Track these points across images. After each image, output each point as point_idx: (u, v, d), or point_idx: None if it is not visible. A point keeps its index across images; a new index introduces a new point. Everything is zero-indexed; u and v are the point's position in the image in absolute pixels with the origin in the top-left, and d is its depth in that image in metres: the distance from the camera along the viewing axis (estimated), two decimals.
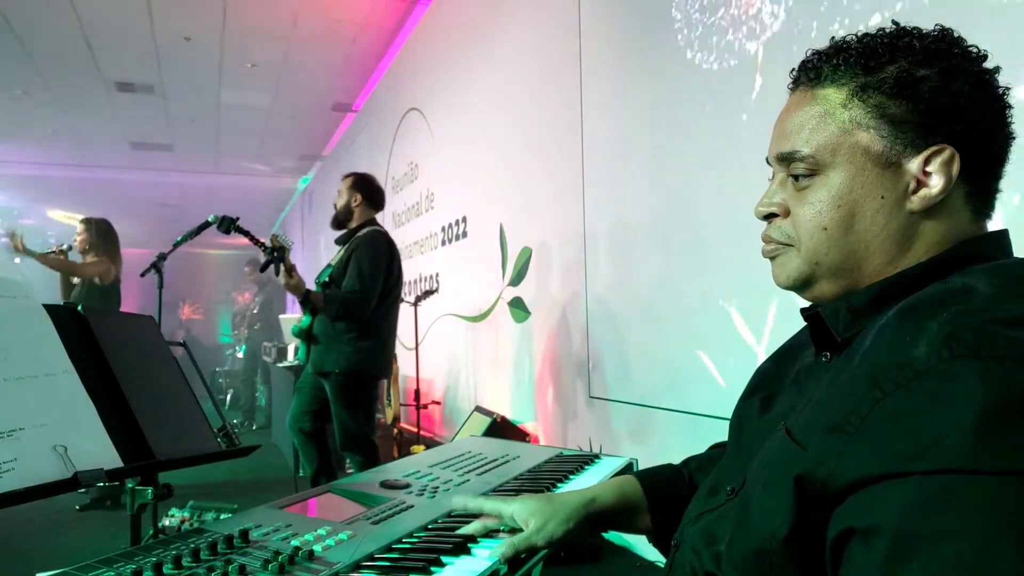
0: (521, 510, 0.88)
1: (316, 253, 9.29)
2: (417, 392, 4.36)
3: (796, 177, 0.68)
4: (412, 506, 1.02)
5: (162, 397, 1.28)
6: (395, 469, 1.28)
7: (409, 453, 3.92)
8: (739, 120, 2.27)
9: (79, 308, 1.21)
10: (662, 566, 0.81)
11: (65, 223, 11.45)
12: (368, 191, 3.23)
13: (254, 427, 7.42)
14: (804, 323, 0.73)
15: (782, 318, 2.06)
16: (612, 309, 3.00)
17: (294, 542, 0.84)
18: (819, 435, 0.55)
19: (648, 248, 2.74)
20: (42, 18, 5.53)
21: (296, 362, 5.04)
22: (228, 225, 2.80)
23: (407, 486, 1.13)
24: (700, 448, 1.02)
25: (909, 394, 0.50)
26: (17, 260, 3.98)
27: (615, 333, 2.96)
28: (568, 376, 3.34)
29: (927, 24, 0.66)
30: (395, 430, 4.47)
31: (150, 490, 1.28)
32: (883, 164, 0.64)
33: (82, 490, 3.80)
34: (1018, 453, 0.45)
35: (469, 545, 0.87)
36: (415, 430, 4.66)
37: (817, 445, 0.55)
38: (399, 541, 0.88)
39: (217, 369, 9.76)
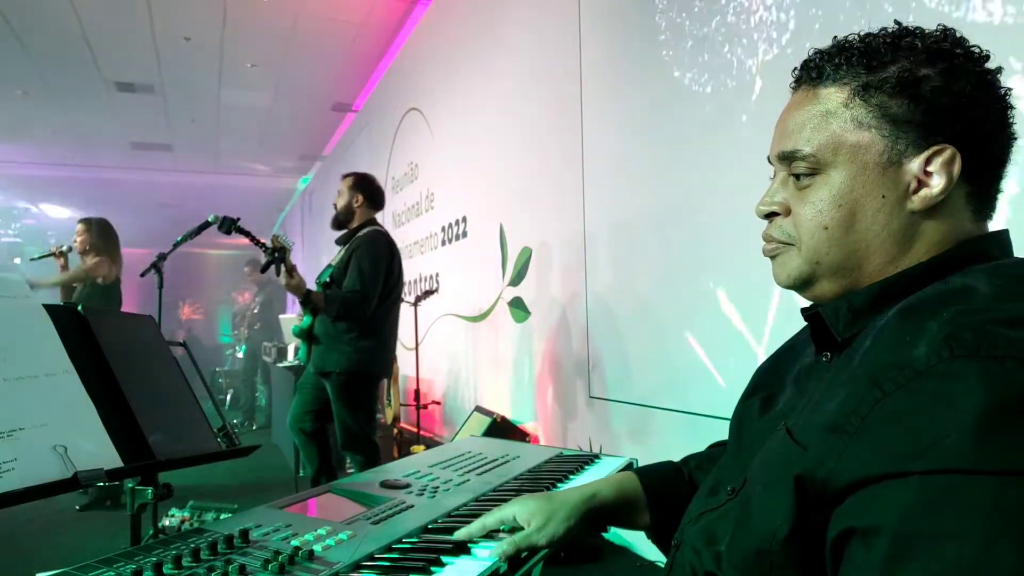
0: (522, 510, 0.88)
1: (316, 253, 9.29)
2: (417, 392, 4.36)
3: (797, 176, 0.68)
4: (412, 506, 1.02)
5: (162, 397, 1.28)
6: (395, 469, 1.28)
7: (409, 453, 3.91)
8: (739, 120, 2.27)
9: (79, 308, 1.21)
10: (662, 566, 0.81)
11: (65, 223, 11.45)
12: (369, 191, 3.23)
13: (254, 427, 7.42)
14: (804, 323, 0.73)
15: (782, 318, 2.06)
16: (612, 309, 3.00)
17: (294, 542, 0.84)
18: (819, 435, 0.55)
19: (648, 248, 2.74)
20: (42, 18, 5.53)
21: (296, 362, 5.04)
22: (229, 226, 2.80)
23: (407, 486, 1.13)
24: (700, 448, 1.02)
25: (909, 394, 0.50)
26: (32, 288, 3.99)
27: (615, 333, 2.96)
28: (568, 376, 3.34)
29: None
30: (395, 430, 4.47)
31: (150, 490, 1.28)
32: (884, 164, 0.64)
33: (81, 491, 3.81)
34: (1018, 453, 0.45)
35: (469, 545, 0.87)
36: (415, 430, 4.65)
37: (817, 445, 0.55)
38: (399, 541, 0.88)
39: (217, 369, 9.76)
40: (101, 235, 4.15)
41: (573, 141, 3.23)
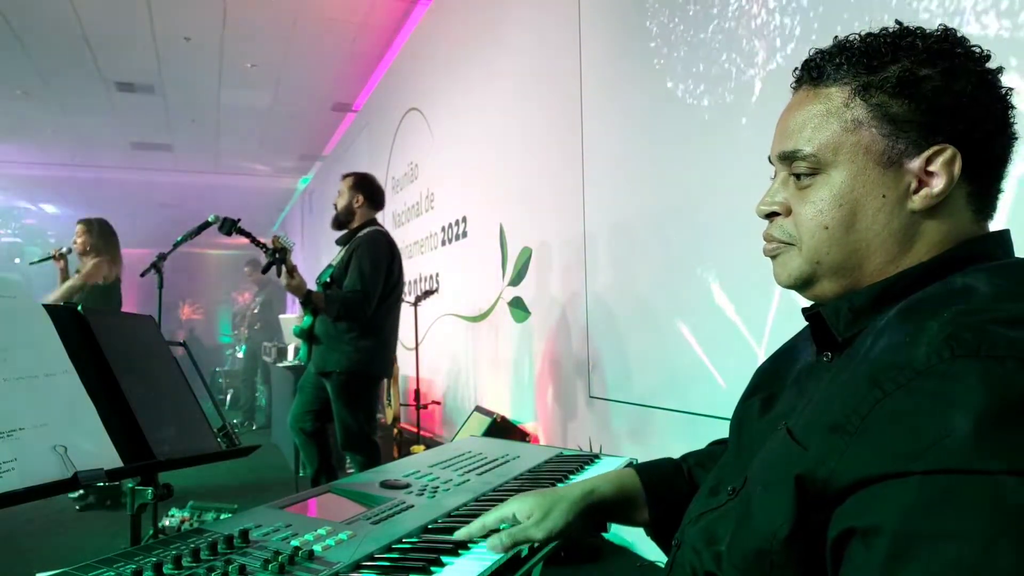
0: (521, 507, 0.88)
1: (316, 253, 9.29)
2: (417, 392, 4.36)
3: (798, 176, 0.68)
4: (412, 506, 1.02)
5: (162, 397, 1.28)
6: (395, 469, 1.28)
7: (409, 453, 3.91)
8: (739, 120, 2.27)
9: (79, 308, 1.21)
10: (662, 566, 0.81)
11: (65, 223, 11.45)
12: (369, 191, 3.23)
13: (254, 427, 7.42)
14: (804, 323, 0.73)
15: (782, 318, 2.06)
16: (612, 309, 3.00)
17: (294, 542, 0.84)
18: (820, 435, 0.55)
19: (648, 248, 2.74)
20: (42, 18, 5.53)
21: (296, 362, 5.04)
22: (230, 227, 2.80)
23: (407, 486, 1.13)
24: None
25: (910, 394, 0.50)
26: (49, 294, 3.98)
27: (615, 333, 2.96)
28: (568, 376, 3.34)
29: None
30: (395, 430, 4.46)
31: (150, 490, 1.27)
32: (885, 163, 0.64)
33: (73, 495, 3.80)
34: (1018, 453, 0.45)
35: (469, 545, 0.87)
36: (415, 430, 4.65)
37: (818, 445, 0.55)
38: (399, 541, 0.88)
39: (217, 369, 9.76)
40: (101, 236, 4.15)
41: (573, 141, 3.23)
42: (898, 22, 0.66)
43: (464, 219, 4.67)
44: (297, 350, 5.27)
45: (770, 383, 0.78)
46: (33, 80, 6.79)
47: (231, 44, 6.10)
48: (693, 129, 2.48)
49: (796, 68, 0.71)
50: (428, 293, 4.55)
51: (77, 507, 3.83)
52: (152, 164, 9.90)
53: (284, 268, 2.81)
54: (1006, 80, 0.65)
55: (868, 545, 0.49)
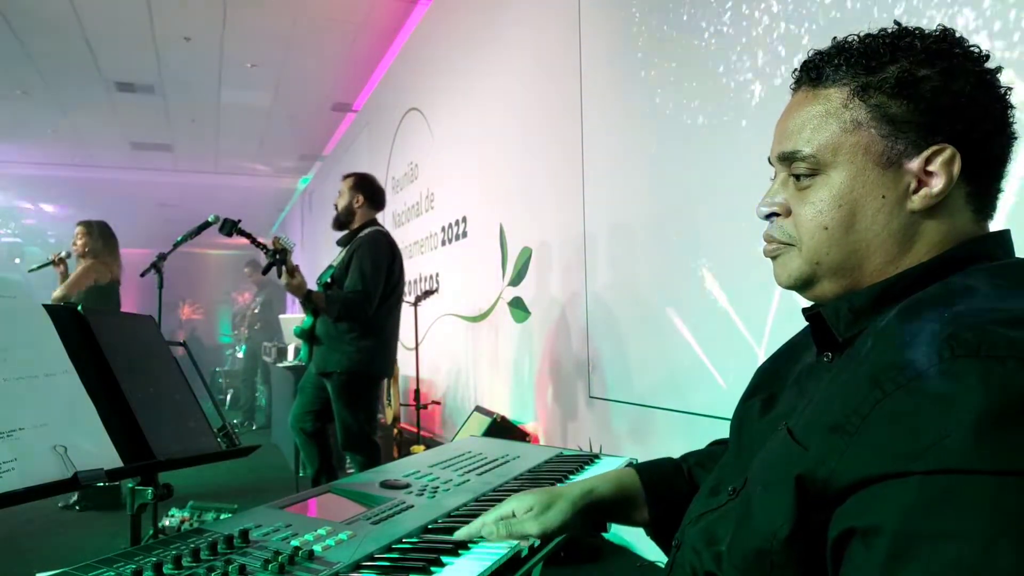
0: (520, 504, 0.88)
1: (316, 253, 9.29)
2: (417, 392, 4.36)
3: (797, 177, 0.68)
4: (412, 506, 1.02)
5: (162, 397, 1.28)
6: (395, 469, 1.28)
7: (409, 453, 3.91)
8: (739, 121, 2.27)
9: (79, 308, 1.21)
10: (662, 566, 0.81)
11: (65, 223, 11.46)
12: (369, 191, 3.23)
13: (254, 427, 7.42)
14: (804, 323, 0.73)
15: (782, 318, 2.06)
16: (612, 309, 3.00)
17: (294, 542, 0.84)
18: (820, 435, 0.55)
19: (648, 248, 2.74)
20: (42, 18, 5.53)
21: (296, 362, 5.04)
22: (230, 228, 2.80)
23: (407, 486, 1.13)
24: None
25: (910, 394, 0.50)
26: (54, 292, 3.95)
27: (615, 333, 2.96)
28: (568, 376, 3.34)
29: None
30: (395, 430, 4.46)
31: (150, 490, 1.28)
32: (884, 164, 0.64)
33: (64, 502, 3.79)
34: (1018, 453, 0.45)
35: (469, 544, 0.87)
36: (415, 430, 4.65)
37: (818, 445, 0.55)
38: (399, 541, 0.88)
39: (217, 369, 9.77)
40: (101, 238, 4.13)
41: (573, 141, 3.23)
42: (897, 23, 0.66)
43: (464, 219, 4.67)
44: (297, 350, 5.27)
45: (770, 383, 0.78)
46: (33, 80, 6.79)
47: (231, 44, 6.10)
48: (694, 129, 2.48)
49: (795, 69, 0.71)
50: (428, 293, 4.55)
51: (77, 508, 3.83)
52: (152, 164, 9.91)
53: (284, 268, 2.81)
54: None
55: (868, 545, 0.49)
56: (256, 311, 8.14)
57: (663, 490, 0.92)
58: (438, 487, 1.13)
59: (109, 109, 7.67)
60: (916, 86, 0.62)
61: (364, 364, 2.98)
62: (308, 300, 2.94)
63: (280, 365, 5.53)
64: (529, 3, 3.74)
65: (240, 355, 8.82)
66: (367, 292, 2.95)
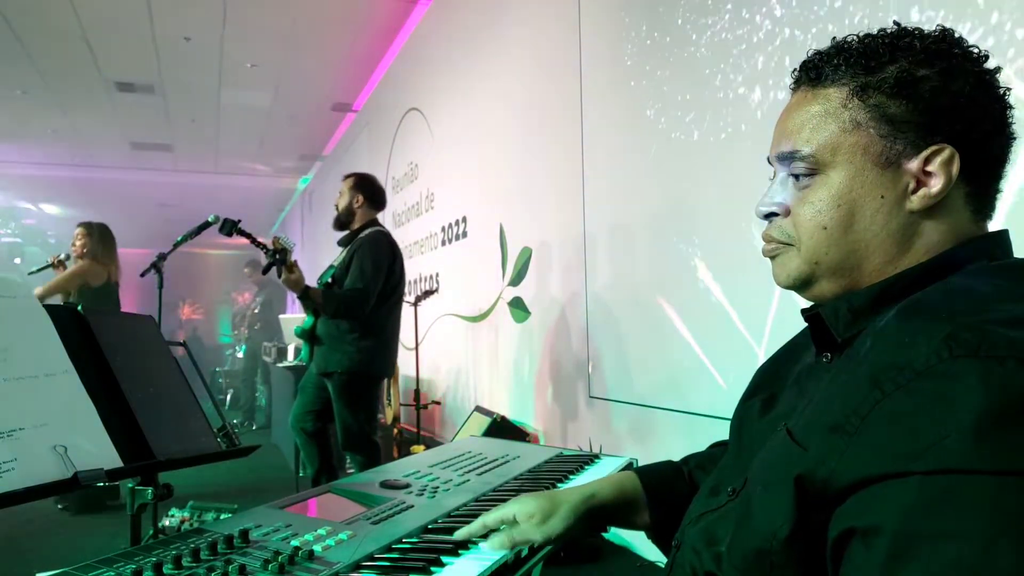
0: (521, 509, 0.88)
1: (316, 253, 9.29)
2: (417, 392, 4.36)
3: (796, 176, 0.68)
4: (412, 506, 1.02)
5: (162, 397, 1.28)
6: (395, 469, 1.28)
7: (409, 453, 3.92)
8: (739, 121, 2.27)
9: (79, 308, 1.21)
10: (662, 566, 0.81)
11: (65, 223, 11.46)
12: (370, 192, 3.23)
13: (254, 427, 7.42)
14: (804, 323, 0.73)
15: (782, 318, 2.06)
16: (612, 309, 3.00)
17: (294, 542, 0.84)
18: (820, 435, 0.55)
19: (648, 248, 2.74)
20: (42, 18, 5.53)
21: (296, 362, 5.04)
22: (230, 228, 2.80)
23: (407, 486, 1.13)
24: (700, 448, 1.02)
25: (909, 394, 0.50)
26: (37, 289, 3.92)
27: (615, 333, 2.96)
28: (568, 376, 3.34)
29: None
30: (395, 430, 4.47)
31: (150, 490, 1.28)
32: (883, 164, 0.64)
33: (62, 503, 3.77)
34: (1018, 453, 0.45)
35: (469, 545, 0.87)
36: (415, 430, 4.66)
37: (818, 445, 0.55)
38: (399, 541, 0.88)
39: (217, 369, 9.77)
40: (101, 240, 4.12)
41: (573, 141, 3.23)
42: (896, 23, 0.66)
43: (464, 219, 4.67)
44: (297, 350, 5.27)
45: (770, 384, 0.78)
46: (33, 80, 6.79)
47: (231, 44, 6.10)
48: (695, 128, 2.48)
49: (795, 69, 0.71)
50: (428, 293, 4.55)
51: (59, 505, 3.81)
52: (152, 164, 9.90)
53: (284, 268, 2.81)
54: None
55: (868, 545, 0.49)
56: (256, 311, 8.14)
57: (664, 493, 0.92)
58: (438, 487, 1.13)
59: (109, 109, 7.67)
60: (915, 86, 0.62)
61: (365, 364, 2.98)
62: (305, 296, 2.94)
63: (280, 365, 5.53)
64: (529, 3, 3.74)
65: (240, 355, 8.82)
66: (365, 290, 2.95)
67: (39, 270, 4.17)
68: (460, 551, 0.85)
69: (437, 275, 5.22)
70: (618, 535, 2.77)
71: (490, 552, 0.85)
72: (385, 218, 4.84)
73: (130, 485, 1.29)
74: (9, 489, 0.91)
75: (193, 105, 7.67)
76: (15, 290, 1.10)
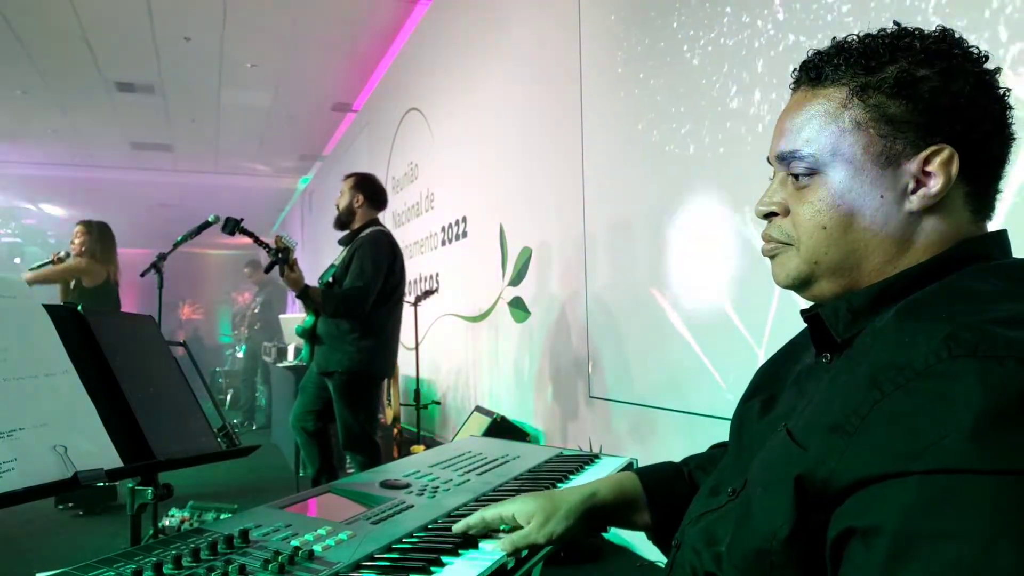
0: (522, 509, 0.88)
1: (316, 253, 9.29)
2: (417, 392, 4.36)
3: (796, 176, 0.68)
4: (412, 506, 1.02)
5: (162, 397, 1.28)
6: (395, 469, 1.28)
7: (409, 453, 3.92)
8: (739, 121, 2.27)
9: (79, 308, 1.21)
10: (662, 566, 0.81)
11: (65, 223, 11.46)
12: (370, 191, 3.23)
13: (254, 427, 7.42)
14: (804, 323, 0.73)
15: (782, 318, 2.06)
16: (612, 309, 3.00)
17: (294, 542, 0.84)
18: (820, 435, 0.55)
19: (648, 248, 2.74)
20: (42, 18, 5.53)
21: (296, 362, 5.04)
22: (233, 226, 2.80)
23: (407, 486, 1.13)
24: (700, 448, 1.02)
25: (909, 394, 0.50)
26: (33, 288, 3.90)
27: (615, 333, 2.96)
28: (568, 376, 3.34)
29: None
30: (395, 430, 4.47)
31: (150, 490, 1.28)
32: (882, 164, 0.64)
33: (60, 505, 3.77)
34: (1018, 453, 0.45)
35: (469, 545, 0.87)
36: (415, 430, 4.66)
37: (818, 445, 0.55)
38: (399, 541, 0.88)
39: (217, 369, 9.77)
40: (100, 239, 4.12)
41: (573, 141, 3.23)
42: (896, 23, 0.66)
43: (464, 219, 4.67)
44: (297, 350, 5.27)
45: (770, 384, 0.78)
46: (33, 80, 6.79)
47: (231, 44, 6.10)
48: (695, 128, 2.48)
49: (795, 69, 0.71)
50: (428, 293, 4.55)
51: (59, 506, 3.80)
52: (152, 164, 9.90)
53: (286, 266, 2.82)
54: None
55: (868, 545, 0.49)
56: (256, 311, 8.14)
57: (664, 494, 0.92)
58: (438, 487, 1.13)
59: (109, 109, 7.67)
60: (915, 86, 0.62)
61: (365, 364, 2.99)
62: (305, 295, 2.94)
63: (280, 365, 5.53)
64: (529, 3, 3.74)
65: (240, 355, 8.82)
66: (365, 289, 2.96)
67: (39, 267, 4.17)
68: (460, 551, 0.85)
69: (437, 275, 5.22)
70: (618, 535, 2.77)
71: (490, 552, 0.85)
72: (385, 218, 4.84)
73: (130, 485, 1.29)
74: (9, 489, 0.91)
75: (193, 105, 7.67)
76: (15, 290, 1.10)
